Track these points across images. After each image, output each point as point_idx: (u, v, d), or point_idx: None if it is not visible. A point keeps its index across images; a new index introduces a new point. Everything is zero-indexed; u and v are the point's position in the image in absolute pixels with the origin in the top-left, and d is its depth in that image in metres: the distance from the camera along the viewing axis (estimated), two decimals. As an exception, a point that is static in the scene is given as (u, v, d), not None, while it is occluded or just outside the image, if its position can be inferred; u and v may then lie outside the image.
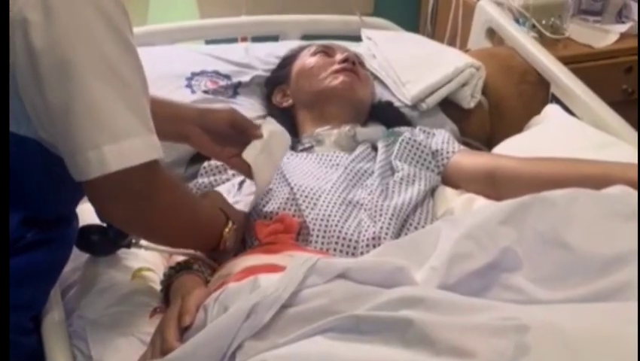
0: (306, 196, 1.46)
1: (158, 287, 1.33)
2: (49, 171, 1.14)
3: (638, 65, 2.33)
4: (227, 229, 1.29)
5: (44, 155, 1.12)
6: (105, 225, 1.29)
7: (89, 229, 1.30)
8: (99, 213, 1.19)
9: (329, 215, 1.41)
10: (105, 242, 1.31)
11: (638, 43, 2.34)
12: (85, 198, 1.27)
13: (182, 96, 1.83)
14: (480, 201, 1.51)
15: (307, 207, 1.44)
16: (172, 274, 1.30)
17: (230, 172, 1.60)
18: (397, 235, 1.40)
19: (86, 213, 1.29)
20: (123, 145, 1.04)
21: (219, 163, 1.62)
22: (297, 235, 1.39)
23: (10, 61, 1.04)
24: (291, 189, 1.48)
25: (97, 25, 1.04)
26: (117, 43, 1.06)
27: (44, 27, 1.01)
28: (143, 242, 1.32)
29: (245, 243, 1.41)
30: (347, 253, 1.37)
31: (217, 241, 1.29)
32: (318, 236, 1.39)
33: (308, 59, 1.83)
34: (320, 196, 1.46)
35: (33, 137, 1.11)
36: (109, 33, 1.05)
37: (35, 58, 1.02)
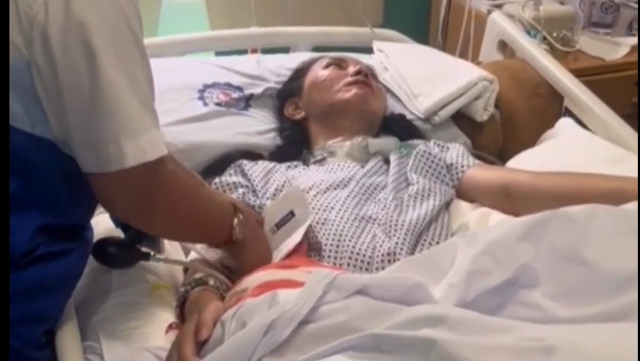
0: (317, 212, 1.46)
1: (174, 303, 1.33)
2: (65, 173, 1.14)
3: (638, 78, 2.32)
4: (235, 220, 1.31)
5: (59, 156, 1.13)
6: (122, 237, 1.29)
7: (107, 240, 1.30)
8: (107, 208, 1.22)
9: (341, 231, 1.41)
10: (123, 254, 1.30)
11: (639, 57, 2.34)
12: (99, 210, 1.28)
13: (194, 108, 1.83)
14: (495, 216, 1.50)
15: (318, 222, 1.43)
16: (188, 290, 1.30)
17: (241, 190, 1.59)
18: (412, 250, 1.39)
19: (101, 225, 1.29)
20: (141, 140, 1.08)
21: (230, 180, 1.61)
22: (308, 250, 1.39)
23: (15, 58, 1.05)
24: None
25: (118, 21, 1.07)
26: (132, 42, 1.09)
27: (65, 25, 1.03)
28: (161, 255, 1.32)
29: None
30: (361, 268, 1.36)
31: (227, 234, 1.30)
32: (330, 251, 1.39)
33: (320, 72, 1.83)
34: (331, 211, 1.46)
35: (49, 137, 1.12)
36: (127, 31, 1.08)
37: (54, 57, 1.04)
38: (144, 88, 1.12)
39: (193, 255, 1.46)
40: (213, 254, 1.42)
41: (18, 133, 1.09)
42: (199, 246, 1.43)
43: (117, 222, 1.30)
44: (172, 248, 1.46)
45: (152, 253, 1.30)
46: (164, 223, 1.23)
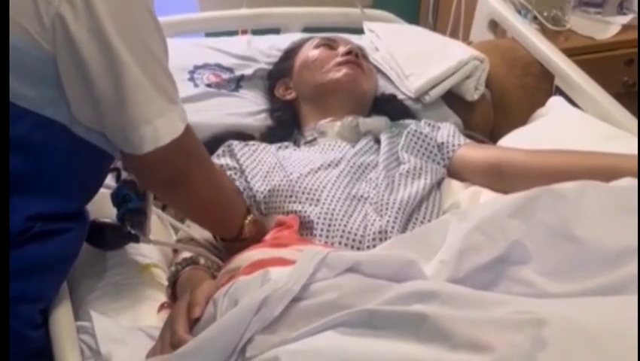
0: (309, 192, 1.46)
1: (165, 283, 1.33)
2: (74, 158, 1.16)
3: (638, 57, 2.32)
4: (247, 220, 1.34)
5: (69, 139, 1.14)
6: (113, 220, 1.30)
7: (97, 223, 1.30)
8: (141, 182, 1.26)
9: (333, 210, 1.41)
10: (114, 236, 1.31)
11: (638, 36, 2.34)
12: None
13: (184, 89, 1.82)
14: (487, 194, 1.51)
15: (311, 202, 1.43)
16: (179, 270, 1.31)
17: (228, 173, 1.58)
18: (404, 228, 1.40)
19: (93, 208, 1.29)
20: (170, 117, 1.12)
21: (218, 163, 1.60)
22: (300, 228, 1.39)
23: (33, 48, 1.07)
24: (293, 184, 1.48)
25: (134, 5, 1.09)
26: (150, 23, 1.11)
27: (85, 14, 1.04)
28: (151, 236, 1.32)
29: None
30: (352, 247, 1.37)
31: (238, 228, 1.33)
32: (322, 230, 1.39)
33: (311, 52, 1.82)
34: (323, 191, 1.46)
35: (61, 120, 1.12)
36: (144, 14, 1.10)
37: (77, 47, 1.05)
38: (163, 63, 1.14)
39: (181, 233, 1.46)
40: (201, 233, 1.43)
41: (27, 113, 1.10)
42: (185, 225, 1.44)
43: (114, 200, 1.31)
44: (162, 229, 1.46)
45: (142, 233, 1.31)
46: (197, 192, 1.25)
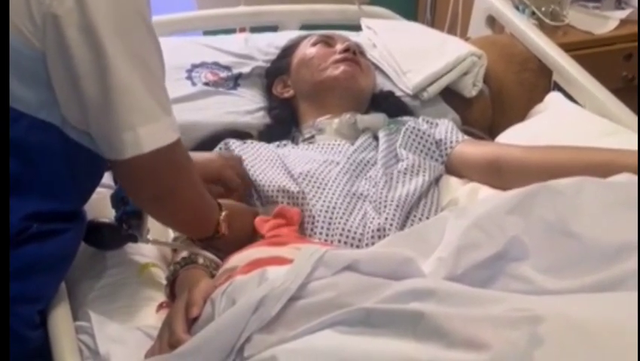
0: (311, 188, 1.46)
1: (164, 282, 1.33)
2: (70, 159, 1.16)
3: (638, 52, 2.32)
4: (221, 217, 1.32)
5: (64, 142, 1.14)
6: (108, 219, 1.30)
7: (97, 223, 1.30)
8: (127, 192, 1.25)
9: (333, 207, 1.41)
10: (112, 237, 1.31)
11: (638, 30, 2.34)
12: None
13: (182, 88, 1.82)
14: (485, 191, 1.50)
15: (312, 198, 1.43)
16: (178, 269, 1.30)
17: None
18: (402, 226, 1.40)
19: (91, 208, 1.29)
20: (154, 126, 1.10)
21: None
22: (300, 225, 1.39)
23: (25, 47, 1.07)
24: (295, 180, 1.47)
25: (127, 10, 1.08)
26: (142, 30, 1.10)
27: (77, 15, 1.04)
28: (149, 236, 1.32)
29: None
30: (352, 245, 1.37)
31: (215, 228, 1.31)
32: (323, 228, 1.39)
33: (308, 49, 1.82)
34: (324, 188, 1.46)
35: (55, 122, 1.13)
36: (137, 19, 1.09)
37: (67, 47, 1.05)
38: (157, 74, 1.13)
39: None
40: None
41: (22, 116, 1.10)
42: None
43: (113, 202, 1.32)
44: (160, 228, 1.46)
45: (140, 235, 1.31)
46: (180, 207, 1.23)
